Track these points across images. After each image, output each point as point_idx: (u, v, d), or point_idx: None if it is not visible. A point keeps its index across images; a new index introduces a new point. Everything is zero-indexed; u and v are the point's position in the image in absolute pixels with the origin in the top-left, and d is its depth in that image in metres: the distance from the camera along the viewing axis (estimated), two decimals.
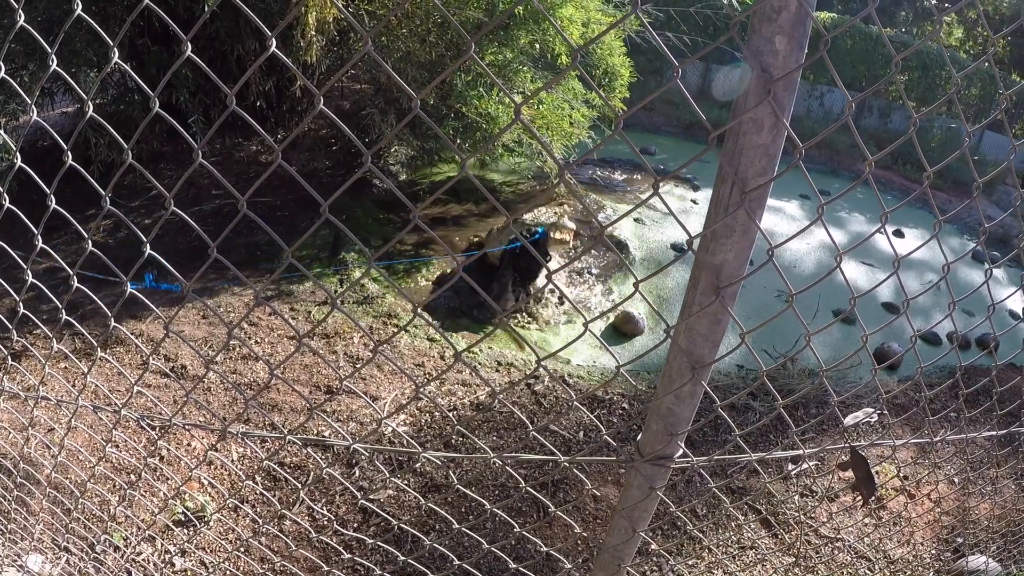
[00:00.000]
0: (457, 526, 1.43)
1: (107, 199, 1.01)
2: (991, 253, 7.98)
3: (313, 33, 4.30)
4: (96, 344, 1.35)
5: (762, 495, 3.60)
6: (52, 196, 0.99)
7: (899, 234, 8.40)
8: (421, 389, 1.06)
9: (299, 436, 1.15)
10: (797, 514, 3.52)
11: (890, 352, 5.46)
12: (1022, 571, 3.13)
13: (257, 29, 4.33)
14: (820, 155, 12.12)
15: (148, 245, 1.00)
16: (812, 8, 0.84)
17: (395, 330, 4.47)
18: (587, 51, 6.34)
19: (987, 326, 5.45)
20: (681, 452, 1.17)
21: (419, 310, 1.00)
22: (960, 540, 3.52)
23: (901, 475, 4.02)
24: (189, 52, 0.81)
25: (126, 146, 0.91)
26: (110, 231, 5.91)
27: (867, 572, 3.24)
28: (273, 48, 0.75)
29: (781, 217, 8.53)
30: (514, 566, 1.48)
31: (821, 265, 7.28)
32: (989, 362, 5.27)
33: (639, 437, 1.19)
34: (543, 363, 1.01)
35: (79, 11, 0.91)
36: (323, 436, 3.00)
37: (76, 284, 1.14)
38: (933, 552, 3.43)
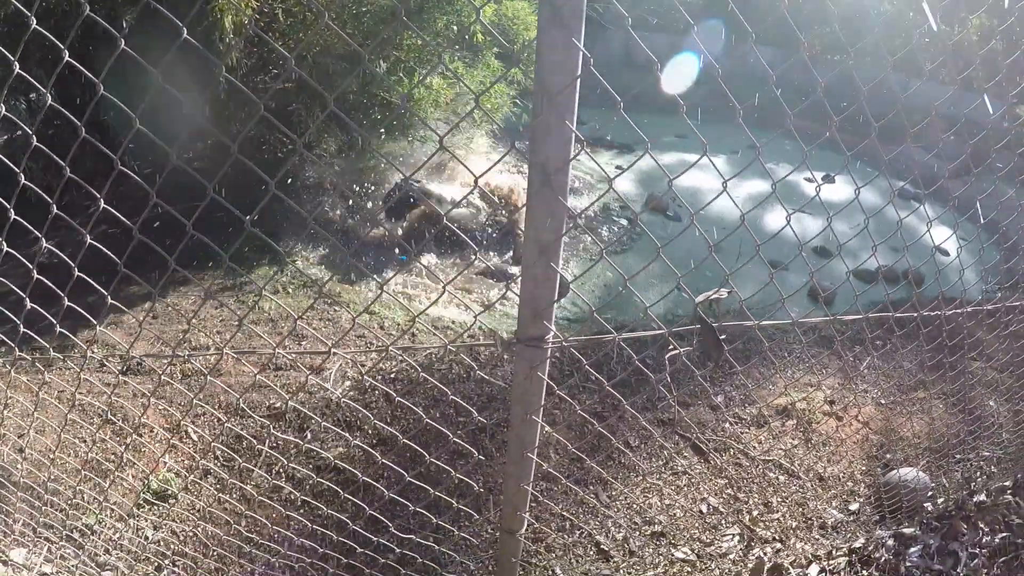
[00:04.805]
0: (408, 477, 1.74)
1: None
2: (916, 192, 8.70)
3: (231, 36, 4.41)
4: (50, 347, 1.60)
5: (694, 424, 3.92)
6: None
7: (829, 179, 9.06)
8: (334, 349, 1.37)
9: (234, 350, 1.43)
10: (728, 440, 3.84)
11: (822, 289, 5.95)
12: (951, 482, 3.36)
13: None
14: (748, 111, 12.57)
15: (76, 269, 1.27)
16: (580, 37, 1.13)
17: (336, 308, 4.73)
18: (503, 27, 6.54)
19: (907, 261, 5.95)
20: (552, 334, 1.44)
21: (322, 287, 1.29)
22: (889, 456, 3.83)
23: (828, 400, 4.36)
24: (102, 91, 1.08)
25: (64, 163, 1.18)
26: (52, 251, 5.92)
27: (798, 490, 3.52)
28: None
29: (710, 174, 8.99)
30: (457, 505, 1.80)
31: (749, 217, 7.75)
32: (911, 296, 5.78)
33: (515, 328, 1.47)
34: (418, 317, 1.33)
35: None
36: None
37: (30, 305, 1.39)
38: (863, 468, 3.75)
